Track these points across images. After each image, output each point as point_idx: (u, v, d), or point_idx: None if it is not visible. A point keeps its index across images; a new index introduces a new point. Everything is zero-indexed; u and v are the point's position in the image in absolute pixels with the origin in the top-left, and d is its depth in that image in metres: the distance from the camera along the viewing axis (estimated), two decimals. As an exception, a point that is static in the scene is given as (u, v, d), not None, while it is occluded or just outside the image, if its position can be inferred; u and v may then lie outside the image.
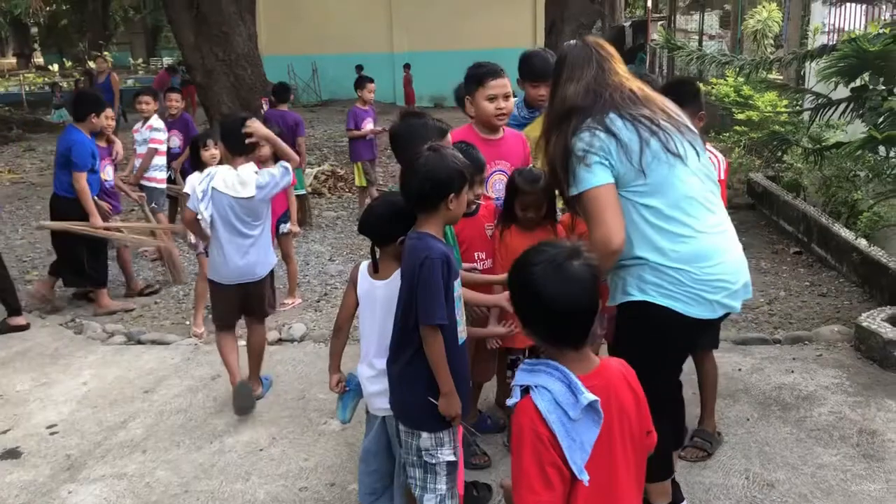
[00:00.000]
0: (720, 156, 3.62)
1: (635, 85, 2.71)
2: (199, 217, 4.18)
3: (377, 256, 2.77)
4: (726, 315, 2.79)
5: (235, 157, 4.14)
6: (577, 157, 2.59)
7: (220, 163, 4.58)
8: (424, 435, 2.63)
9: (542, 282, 1.85)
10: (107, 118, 6.08)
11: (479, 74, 3.62)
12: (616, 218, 2.57)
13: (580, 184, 2.59)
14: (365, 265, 2.84)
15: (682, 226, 2.62)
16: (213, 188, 4.10)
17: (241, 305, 4.32)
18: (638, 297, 2.68)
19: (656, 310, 2.64)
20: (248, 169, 4.14)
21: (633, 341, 2.78)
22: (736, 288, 2.69)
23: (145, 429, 4.10)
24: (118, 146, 6.35)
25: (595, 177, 2.56)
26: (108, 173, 6.21)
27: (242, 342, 4.48)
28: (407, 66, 19.16)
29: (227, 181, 4.09)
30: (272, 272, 4.42)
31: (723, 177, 3.52)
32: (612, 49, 2.79)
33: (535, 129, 4.05)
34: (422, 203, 2.57)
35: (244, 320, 4.43)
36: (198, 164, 5.10)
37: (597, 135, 2.58)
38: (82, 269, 5.88)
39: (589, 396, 1.81)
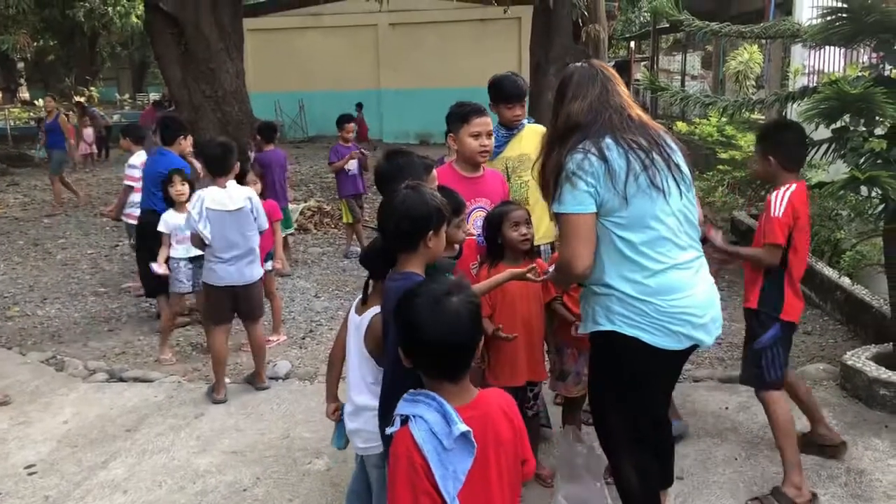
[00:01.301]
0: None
1: (635, 112, 2.76)
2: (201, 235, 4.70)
3: (369, 290, 2.78)
4: (694, 347, 2.80)
5: (218, 178, 4.78)
6: (565, 177, 2.63)
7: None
8: None
9: (420, 315, 1.94)
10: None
11: (464, 112, 3.70)
12: (586, 247, 2.64)
13: (563, 205, 2.64)
14: (357, 301, 2.86)
15: (653, 261, 2.67)
16: (206, 208, 4.68)
17: (233, 307, 4.89)
18: (606, 326, 2.74)
19: (622, 339, 2.71)
20: (232, 184, 4.82)
21: (601, 369, 2.89)
22: (703, 321, 2.73)
23: (126, 468, 4.03)
24: (198, 166, 6.51)
25: (577, 203, 2.61)
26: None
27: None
28: (360, 106, 18.86)
29: (216, 199, 4.71)
30: (261, 279, 5.02)
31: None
32: (615, 72, 2.85)
33: (513, 148, 4.26)
34: (400, 241, 2.56)
35: (243, 325, 5.06)
36: (169, 201, 5.67)
37: (589, 158, 2.61)
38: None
39: (461, 427, 1.88)
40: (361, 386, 2.77)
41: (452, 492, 1.88)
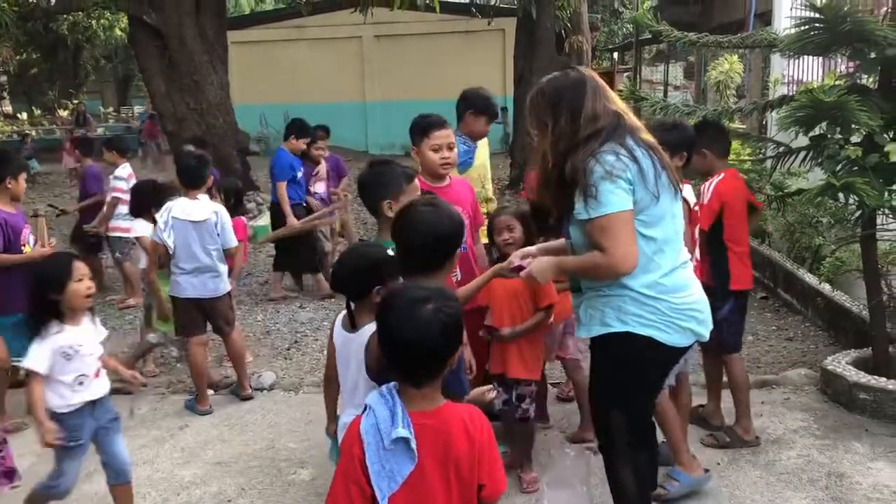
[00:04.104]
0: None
1: (630, 116, 2.78)
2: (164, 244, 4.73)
3: (353, 311, 2.65)
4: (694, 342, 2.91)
5: (190, 190, 4.84)
6: (601, 178, 2.58)
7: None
8: None
9: (393, 320, 1.96)
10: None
11: (424, 125, 3.74)
12: (633, 244, 2.63)
13: (607, 205, 2.57)
14: (342, 316, 2.76)
15: (669, 259, 2.72)
16: (173, 217, 4.72)
17: (204, 319, 4.90)
18: (617, 327, 2.73)
19: (636, 339, 2.71)
20: (202, 198, 4.88)
21: (609, 371, 2.84)
22: (704, 317, 2.82)
23: (110, 481, 4.00)
24: (322, 167, 7.64)
25: (620, 200, 2.59)
26: (317, 188, 7.61)
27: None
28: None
29: (184, 209, 4.76)
30: (229, 293, 5.03)
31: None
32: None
33: (479, 157, 4.59)
34: (426, 261, 2.52)
35: (220, 337, 5.11)
36: (140, 211, 5.66)
37: (621, 158, 2.61)
38: (296, 258, 7.47)
39: (400, 431, 1.87)
40: (356, 401, 2.74)
41: (385, 490, 1.87)
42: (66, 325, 3.20)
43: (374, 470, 1.86)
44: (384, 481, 1.87)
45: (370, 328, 2.55)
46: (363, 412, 1.96)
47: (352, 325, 2.68)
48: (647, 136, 2.74)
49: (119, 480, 3.48)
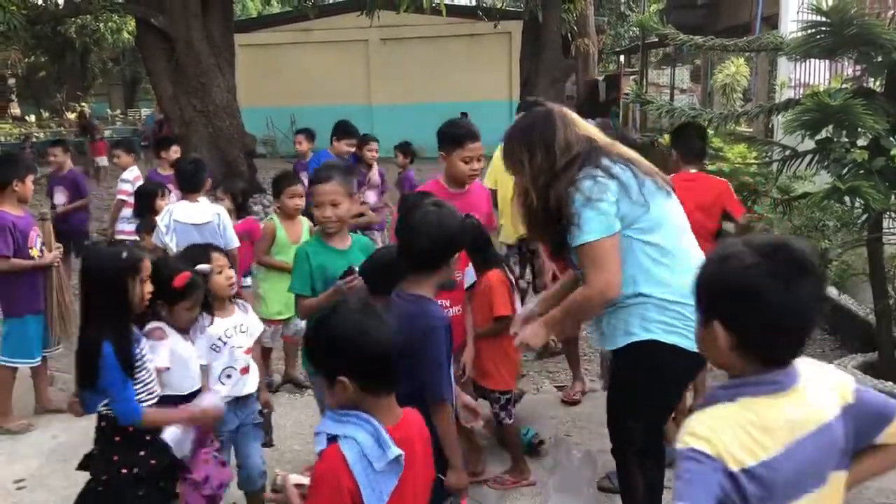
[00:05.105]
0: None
1: (602, 138, 2.82)
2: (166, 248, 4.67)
3: None
4: None
5: (189, 194, 4.93)
6: (583, 205, 2.61)
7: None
8: None
9: (346, 330, 1.90)
10: None
11: (459, 135, 3.75)
12: (618, 267, 2.63)
13: (591, 232, 2.60)
14: None
15: (680, 259, 2.70)
16: (174, 220, 4.75)
17: None
18: (642, 335, 2.72)
19: (662, 347, 2.70)
20: (203, 201, 4.95)
21: (635, 380, 2.83)
22: None
23: (115, 482, 4.02)
24: (374, 172, 7.19)
25: (606, 226, 2.61)
26: (367, 196, 7.01)
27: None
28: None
29: (186, 212, 4.81)
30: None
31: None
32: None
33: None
34: (424, 261, 2.51)
35: None
36: (145, 213, 5.61)
37: (598, 180, 2.62)
38: None
39: (395, 451, 1.87)
40: None
41: None
42: (216, 317, 3.17)
43: (367, 495, 1.85)
44: (376, 503, 1.88)
45: None
46: (336, 441, 1.88)
47: None
48: (623, 150, 2.77)
49: (250, 487, 3.41)
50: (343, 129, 6.95)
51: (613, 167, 2.66)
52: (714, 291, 1.61)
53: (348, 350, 1.89)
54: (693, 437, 1.49)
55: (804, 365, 1.60)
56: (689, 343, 2.65)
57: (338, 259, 3.25)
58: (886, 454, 1.63)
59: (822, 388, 1.58)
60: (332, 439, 1.89)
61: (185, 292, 2.89)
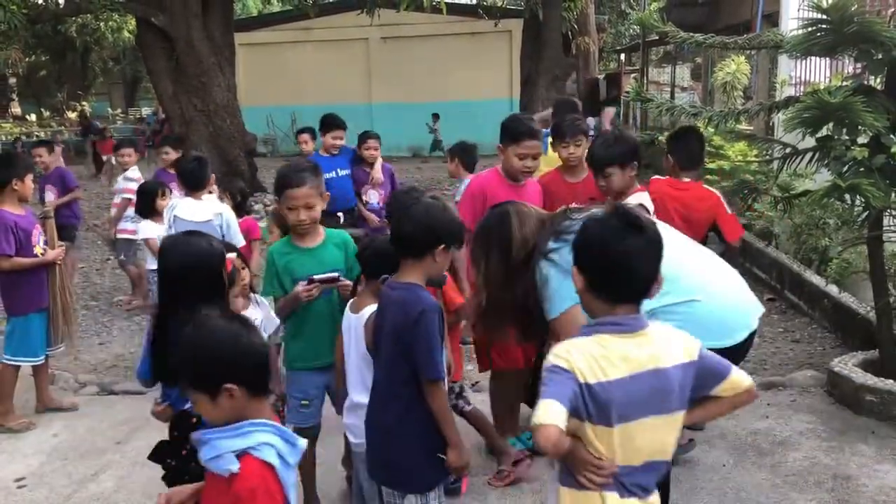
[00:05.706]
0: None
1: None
2: None
3: (359, 288, 2.88)
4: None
5: (192, 192, 4.93)
6: (550, 275, 2.58)
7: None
8: (411, 497, 2.56)
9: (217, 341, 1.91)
10: None
11: (518, 132, 3.89)
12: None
13: (564, 300, 2.54)
14: (353, 301, 2.96)
15: (682, 274, 2.67)
16: (176, 216, 4.79)
17: None
18: None
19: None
20: (206, 198, 4.96)
21: None
22: (742, 306, 2.98)
23: (116, 481, 4.03)
24: (377, 170, 6.49)
25: (571, 291, 2.55)
26: (370, 196, 6.51)
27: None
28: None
29: (189, 209, 4.82)
30: None
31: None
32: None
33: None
34: (410, 248, 2.55)
35: None
36: (147, 211, 5.85)
37: (560, 240, 2.60)
38: None
39: (302, 441, 1.94)
40: (360, 386, 2.85)
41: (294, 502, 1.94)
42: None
43: (290, 494, 1.90)
44: (293, 497, 1.92)
45: (370, 309, 2.76)
46: (258, 454, 1.85)
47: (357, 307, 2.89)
48: (575, 205, 2.82)
49: None
50: (329, 123, 6.49)
51: (574, 223, 2.59)
52: (576, 243, 2.05)
53: (230, 355, 1.87)
54: (555, 357, 1.92)
55: (663, 327, 2.03)
56: (721, 343, 2.62)
57: (305, 258, 3.29)
58: (718, 404, 2.10)
59: (671, 343, 1.99)
60: (240, 455, 1.84)
61: (232, 279, 2.86)
